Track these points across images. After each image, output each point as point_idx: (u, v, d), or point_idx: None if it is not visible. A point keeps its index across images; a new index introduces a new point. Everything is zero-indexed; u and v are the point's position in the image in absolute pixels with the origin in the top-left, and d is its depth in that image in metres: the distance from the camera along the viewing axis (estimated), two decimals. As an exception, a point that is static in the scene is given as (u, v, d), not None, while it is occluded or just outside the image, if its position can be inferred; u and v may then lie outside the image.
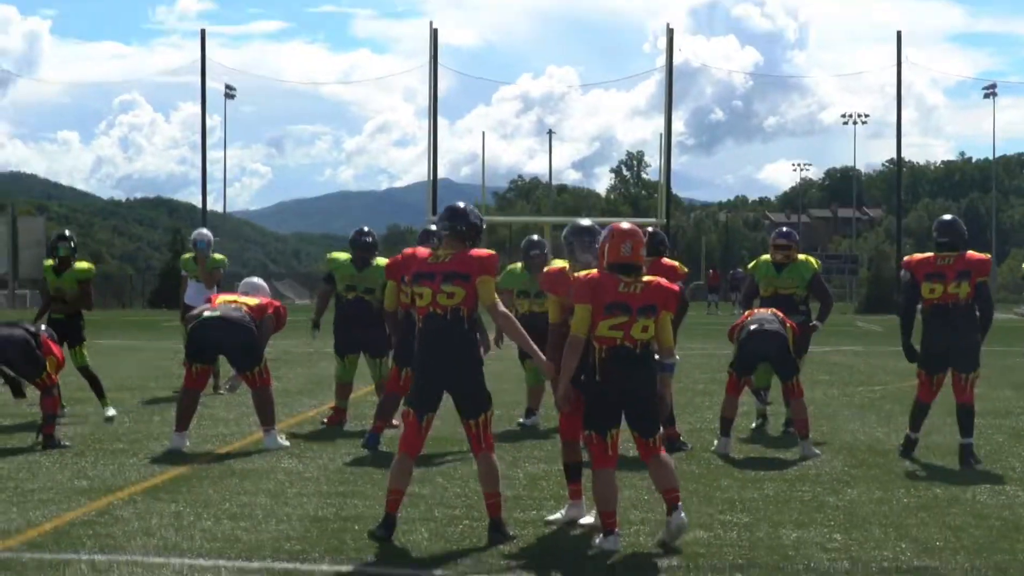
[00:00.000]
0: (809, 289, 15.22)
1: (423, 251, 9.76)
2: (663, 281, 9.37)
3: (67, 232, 16.79)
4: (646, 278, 9.30)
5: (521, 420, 15.48)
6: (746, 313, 14.32)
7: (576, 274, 9.45)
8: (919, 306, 13.20)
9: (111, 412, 15.91)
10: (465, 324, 9.33)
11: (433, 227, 10.84)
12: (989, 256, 13.50)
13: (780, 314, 14.10)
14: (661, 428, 9.58)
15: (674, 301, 9.30)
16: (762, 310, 14.23)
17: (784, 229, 15.96)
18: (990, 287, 13.25)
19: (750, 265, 16.15)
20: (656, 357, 9.32)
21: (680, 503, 9.28)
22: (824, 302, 15.22)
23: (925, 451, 13.71)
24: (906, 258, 13.50)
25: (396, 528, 9.34)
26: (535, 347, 9.56)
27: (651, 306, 9.15)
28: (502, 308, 9.49)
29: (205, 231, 19.88)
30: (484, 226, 9.58)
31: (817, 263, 15.58)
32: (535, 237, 15.52)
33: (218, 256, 19.64)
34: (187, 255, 19.96)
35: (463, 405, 9.46)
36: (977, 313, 12.98)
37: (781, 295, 15.17)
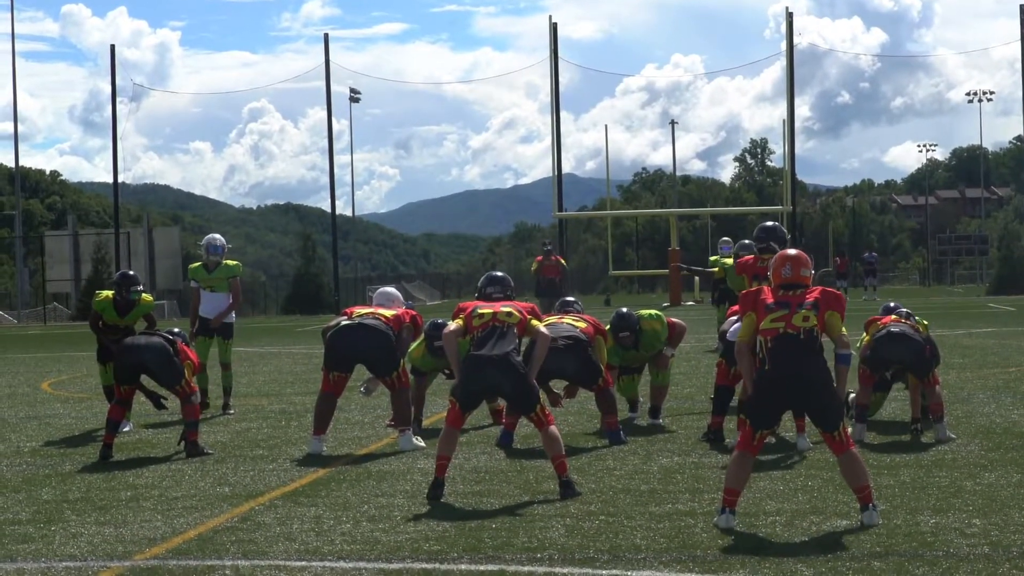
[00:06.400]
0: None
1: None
2: (826, 288, 9.95)
3: (131, 272, 16.36)
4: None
5: (651, 420, 15.37)
6: (886, 317, 14.09)
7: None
8: None
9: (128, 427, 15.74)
10: (516, 338, 11.20)
11: (498, 273, 12.54)
12: None
13: (916, 327, 13.91)
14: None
15: (838, 303, 9.77)
16: (900, 320, 14.00)
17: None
18: None
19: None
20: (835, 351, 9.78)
21: (872, 501, 9.47)
22: None
23: (1064, 432, 13.55)
24: None
25: (444, 490, 10.80)
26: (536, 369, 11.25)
27: (812, 302, 9.67)
28: (543, 331, 11.44)
29: (217, 236, 18.46)
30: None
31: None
32: (624, 310, 15.48)
33: (231, 262, 18.18)
34: (195, 264, 18.42)
35: (518, 404, 11.31)
36: None
37: None
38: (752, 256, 14.49)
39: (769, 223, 14.36)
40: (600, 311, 25.68)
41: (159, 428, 16.00)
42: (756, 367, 9.75)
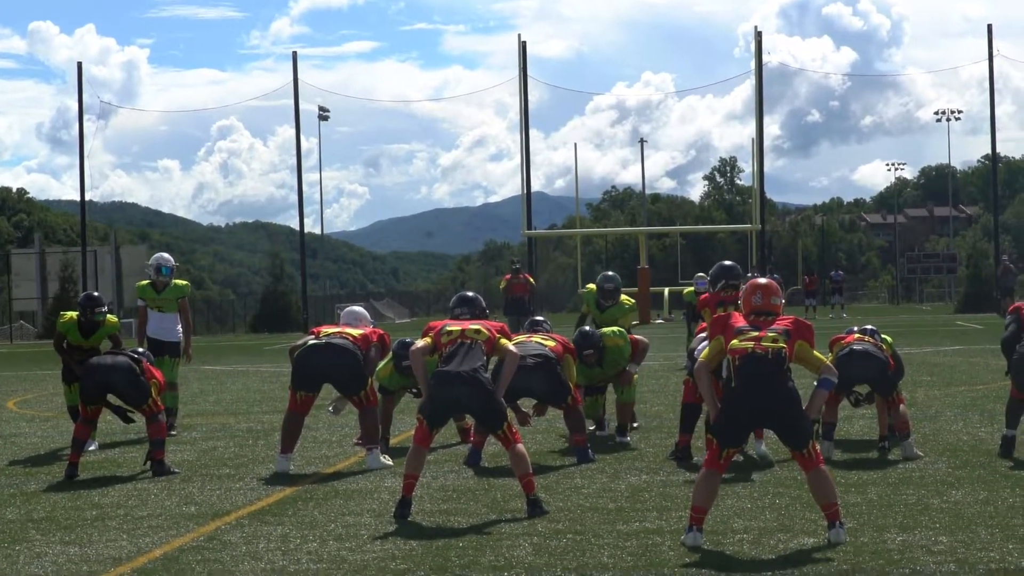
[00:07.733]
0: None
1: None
2: (797, 317, 10.03)
3: (96, 293, 16.30)
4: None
5: (618, 438, 15.34)
6: (850, 336, 14.15)
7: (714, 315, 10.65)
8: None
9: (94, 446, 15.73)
10: (484, 356, 11.23)
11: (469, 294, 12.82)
12: None
13: (880, 346, 13.98)
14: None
15: (809, 333, 9.83)
16: (866, 338, 14.06)
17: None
18: None
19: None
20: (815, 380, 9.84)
21: (839, 519, 9.48)
22: None
23: (1030, 450, 13.59)
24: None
25: (411, 508, 10.78)
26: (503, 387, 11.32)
27: (783, 329, 9.73)
28: (512, 350, 11.44)
29: (166, 255, 18.16)
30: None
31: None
32: (586, 328, 15.48)
33: (180, 282, 17.96)
34: (144, 283, 18.03)
35: (485, 421, 11.36)
36: None
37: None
38: (708, 294, 14.72)
39: (727, 262, 14.74)
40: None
41: (125, 447, 15.93)
42: (722, 386, 9.85)
